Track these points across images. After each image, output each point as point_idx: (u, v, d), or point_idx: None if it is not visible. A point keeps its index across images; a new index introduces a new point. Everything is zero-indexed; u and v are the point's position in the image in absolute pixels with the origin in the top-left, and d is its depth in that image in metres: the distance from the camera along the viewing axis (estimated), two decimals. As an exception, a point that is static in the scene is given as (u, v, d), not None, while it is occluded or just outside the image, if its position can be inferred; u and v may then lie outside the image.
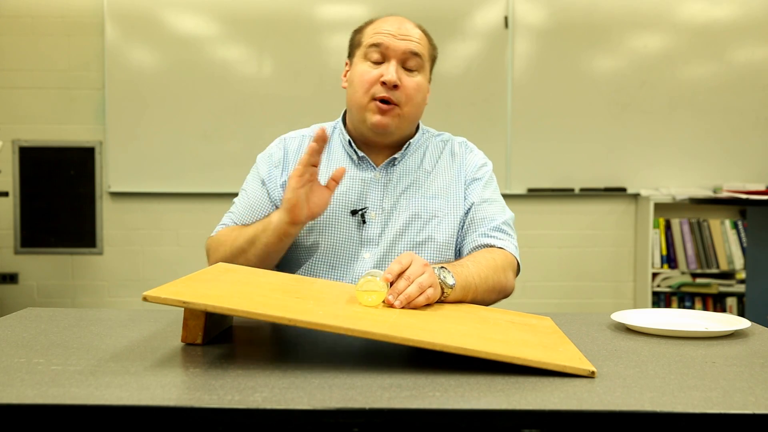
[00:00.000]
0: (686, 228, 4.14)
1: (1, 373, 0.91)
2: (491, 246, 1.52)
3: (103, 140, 4.12)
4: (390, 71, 1.49)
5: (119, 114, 4.08)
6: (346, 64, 1.63)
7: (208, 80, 4.08)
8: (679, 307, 4.14)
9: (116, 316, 1.35)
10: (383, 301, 1.17)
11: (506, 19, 4.09)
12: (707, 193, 4.04)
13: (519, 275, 1.57)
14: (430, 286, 1.21)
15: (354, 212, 1.53)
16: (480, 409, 0.80)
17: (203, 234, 4.58)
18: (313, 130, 1.65)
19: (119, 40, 4.07)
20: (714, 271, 4.13)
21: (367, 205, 1.54)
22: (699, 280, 4.15)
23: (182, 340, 1.09)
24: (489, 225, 1.54)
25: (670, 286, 4.14)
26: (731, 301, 4.13)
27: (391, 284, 1.19)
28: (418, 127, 1.64)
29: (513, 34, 4.11)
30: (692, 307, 4.11)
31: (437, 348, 0.95)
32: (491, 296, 1.43)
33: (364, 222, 1.52)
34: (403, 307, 1.17)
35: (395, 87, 1.50)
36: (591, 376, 0.93)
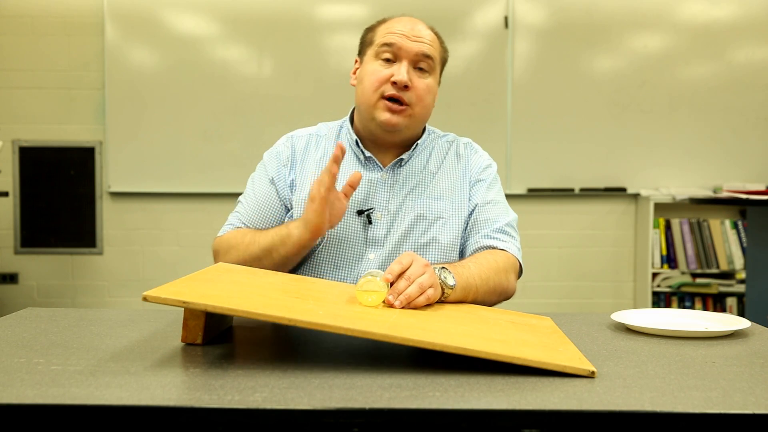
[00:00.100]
0: (686, 228, 4.14)
1: (1, 373, 0.91)
2: (494, 247, 1.51)
3: (103, 140, 4.12)
4: (401, 71, 1.49)
5: (119, 114, 4.08)
6: (356, 61, 1.62)
7: (208, 80, 4.08)
8: (679, 307, 4.14)
9: (116, 316, 1.35)
10: (383, 301, 1.17)
11: (506, 19, 4.09)
12: (707, 193, 4.04)
13: (520, 276, 1.56)
14: (430, 287, 1.21)
15: (360, 212, 1.52)
16: (480, 409, 0.80)
17: (203, 234, 4.60)
18: (319, 128, 1.64)
19: (119, 40, 4.07)
20: (714, 271, 4.13)
21: (374, 206, 1.54)
22: (699, 280, 4.15)
23: (182, 340, 1.09)
24: (492, 226, 1.54)
25: (670, 286, 4.14)
26: (731, 301, 4.13)
27: (392, 284, 1.19)
28: (424, 128, 1.64)
29: (513, 34, 4.11)
30: (692, 307, 4.11)
31: (437, 348, 0.95)
32: (492, 298, 1.43)
33: (370, 222, 1.52)
34: (403, 308, 1.17)
35: (406, 87, 1.49)
36: (591, 376, 0.93)
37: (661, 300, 4.15)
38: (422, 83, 1.52)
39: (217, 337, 1.15)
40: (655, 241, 4.10)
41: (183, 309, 1.05)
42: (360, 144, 1.57)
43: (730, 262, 4.10)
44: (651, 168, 4.17)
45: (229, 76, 4.10)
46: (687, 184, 4.15)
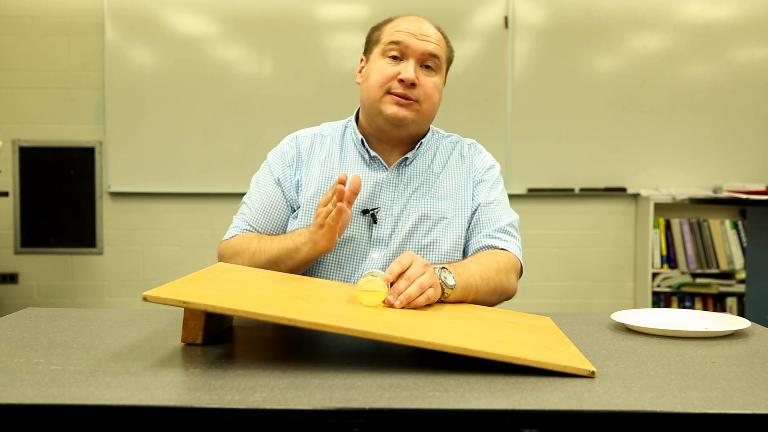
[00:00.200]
0: (686, 228, 4.14)
1: (1, 373, 0.91)
2: (495, 247, 1.52)
3: (103, 140, 4.12)
4: (409, 69, 1.49)
5: (119, 114, 4.08)
6: (361, 60, 1.62)
7: (208, 80, 4.08)
8: (679, 307, 4.14)
9: (116, 316, 1.35)
10: (383, 301, 1.17)
11: (506, 19, 4.09)
12: (707, 193, 4.04)
13: (520, 276, 1.56)
14: (430, 287, 1.21)
15: (365, 212, 1.52)
16: (480, 409, 0.80)
17: (203, 234, 4.58)
18: (323, 128, 1.64)
19: (119, 40, 4.07)
20: (714, 271, 4.13)
21: (379, 206, 1.54)
22: (699, 280, 4.15)
23: (182, 340, 1.09)
24: (493, 226, 1.54)
25: (670, 286, 4.14)
26: (731, 301, 4.13)
27: (392, 284, 1.19)
28: (428, 128, 1.64)
29: (513, 34, 4.11)
30: (692, 307, 4.11)
31: (437, 348, 0.95)
32: (492, 298, 1.43)
33: (375, 222, 1.52)
34: (403, 308, 1.17)
35: (413, 85, 1.50)
36: (591, 376, 0.93)
37: (661, 300, 4.15)
38: (429, 81, 1.52)
39: (217, 337, 1.15)
40: (655, 241, 4.10)
41: (183, 309, 1.05)
42: (365, 143, 1.57)
43: (730, 262, 4.10)
44: (651, 168, 4.17)
45: (229, 76, 4.10)
46: (687, 184, 4.15)
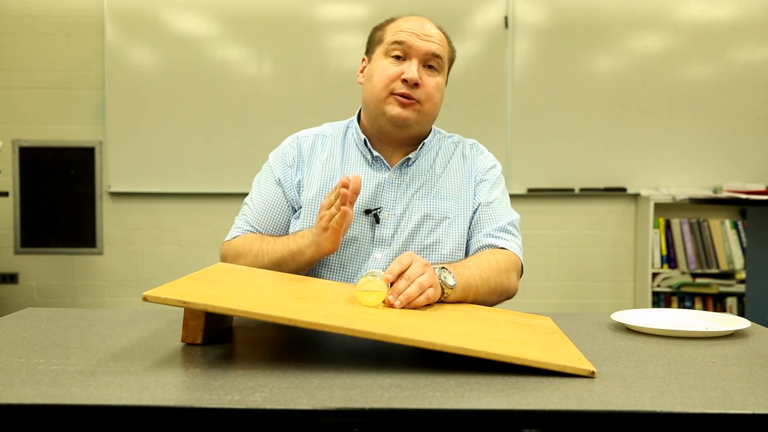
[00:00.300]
0: (686, 228, 4.14)
1: (1, 373, 0.91)
2: (495, 246, 1.52)
3: (103, 140, 4.12)
4: (412, 69, 1.49)
5: (119, 114, 4.08)
6: (363, 60, 1.62)
7: (208, 80, 4.08)
8: (679, 307, 4.14)
9: (116, 316, 1.35)
10: (383, 301, 1.17)
11: (506, 19, 4.09)
12: (707, 193, 4.04)
13: (521, 276, 1.56)
14: (430, 286, 1.21)
15: (368, 211, 1.52)
16: (480, 409, 0.80)
17: (203, 234, 4.58)
18: (324, 129, 1.64)
19: (119, 40, 4.07)
20: (714, 271, 4.13)
21: (381, 206, 1.53)
22: (699, 280, 4.15)
23: (182, 340, 1.09)
24: (494, 225, 1.54)
25: (670, 286, 4.14)
26: (731, 301, 4.13)
27: (392, 284, 1.19)
28: (431, 129, 1.64)
29: (513, 34, 4.11)
30: (692, 307, 4.11)
31: (437, 348, 0.95)
32: (493, 297, 1.43)
33: (377, 222, 1.52)
34: (403, 307, 1.17)
35: (416, 85, 1.50)
36: (591, 376, 0.93)
37: (661, 300, 4.15)
38: (432, 81, 1.52)
39: (217, 337, 1.15)
40: (655, 241, 4.10)
41: (183, 309, 1.05)
42: (367, 143, 1.57)
43: (730, 262, 4.10)
44: (651, 168, 4.17)
45: (229, 76, 4.10)
46: (687, 184, 4.15)
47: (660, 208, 4.12)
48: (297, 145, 1.61)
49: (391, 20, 1.59)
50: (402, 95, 1.50)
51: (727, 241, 4.11)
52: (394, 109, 1.50)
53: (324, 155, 1.58)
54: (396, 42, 1.52)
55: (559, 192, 4.16)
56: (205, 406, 0.79)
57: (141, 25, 4.07)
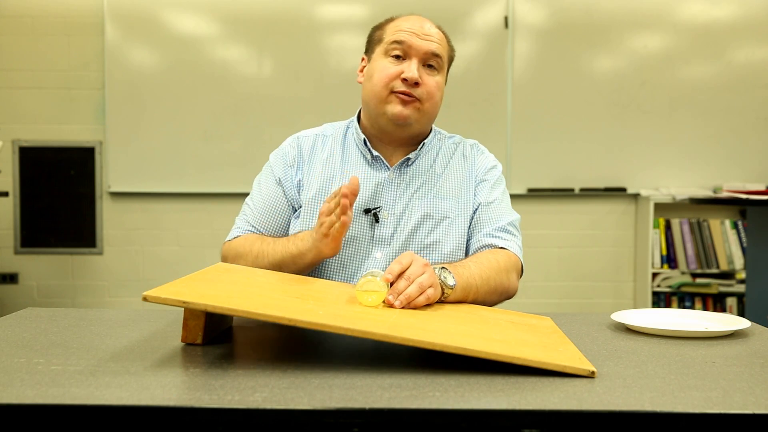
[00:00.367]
0: (686, 228, 4.14)
1: (1, 373, 0.91)
2: (495, 246, 1.52)
3: (103, 140, 4.12)
4: (412, 69, 1.50)
5: (119, 114, 4.08)
6: (363, 59, 1.62)
7: (208, 80, 4.08)
8: (679, 307, 4.14)
9: (116, 316, 1.35)
10: (383, 301, 1.17)
11: (506, 19, 4.09)
12: (707, 193, 4.04)
13: (521, 275, 1.56)
14: (430, 286, 1.21)
15: (367, 211, 1.52)
16: (480, 409, 0.80)
17: (203, 234, 4.57)
18: (324, 129, 1.64)
19: (119, 40, 4.07)
20: (714, 271, 4.13)
21: (381, 205, 1.54)
22: (699, 280, 4.15)
23: (182, 340, 1.09)
24: (494, 225, 1.54)
25: (670, 286, 4.14)
26: (731, 301, 4.13)
27: (391, 284, 1.19)
28: (431, 129, 1.64)
29: (513, 34, 4.11)
30: (692, 307, 4.11)
31: (437, 348, 0.95)
32: (493, 297, 1.43)
33: (377, 221, 1.52)
34: (403, 307, 1.17)
35: (416, 84, 1.50)
36: (591, 376, 0.93)
37: (661, 300, 4.15)
38: (432, 80, 1.53)
39: (217, 337, 1.15)
40: (655, 241, 4.10)
41: (183, 309, 1.05)
42: (367, 143, 1.57)
43: (730, 262, 4.10)
44: (651, 168, 4.17)
45: (229, 76, 4.09)
46: (687, 184, 4.15)
47: (660, 208, 4.12)
48: (297, 145, 1.61)
49: (391, 20, 1.59)
50: (402, 93, 1.50)
51: (727, 241, 4.11)
52: (394, 108, 1.50)
53: (324, 155, 1.59)
54: (396, 41, 1.52)
55: (559, 192, 4.16)
56: (205, 406, 0.79)
57: (141, 25, 4.07)
